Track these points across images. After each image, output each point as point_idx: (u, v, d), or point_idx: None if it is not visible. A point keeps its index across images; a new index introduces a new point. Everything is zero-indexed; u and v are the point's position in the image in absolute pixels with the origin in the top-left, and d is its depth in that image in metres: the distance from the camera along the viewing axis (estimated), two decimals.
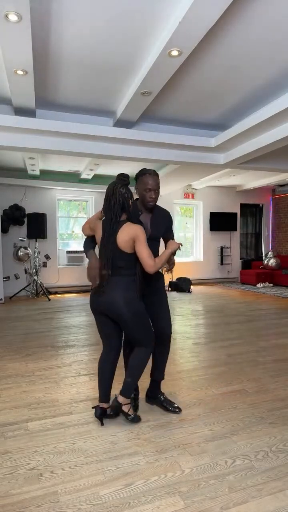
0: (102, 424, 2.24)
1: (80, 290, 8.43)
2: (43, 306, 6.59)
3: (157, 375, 2.48)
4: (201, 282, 9.51)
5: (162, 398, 2.46)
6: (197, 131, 5.00)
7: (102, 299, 2.16)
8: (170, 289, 8.36)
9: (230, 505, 1.57)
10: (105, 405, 2.28)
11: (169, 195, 8.99)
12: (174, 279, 8.48)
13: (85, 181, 8.17)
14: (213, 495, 1.63)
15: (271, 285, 9.02)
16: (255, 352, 3.71)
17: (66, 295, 8.03)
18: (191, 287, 8.44)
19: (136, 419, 2.27)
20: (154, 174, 2.31)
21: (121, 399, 2.24)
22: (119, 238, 2.11)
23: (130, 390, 2.24)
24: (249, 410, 2.44)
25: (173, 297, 7.52)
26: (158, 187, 2.32)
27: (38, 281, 7.57)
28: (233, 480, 1.73)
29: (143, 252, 2.08)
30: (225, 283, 9.61)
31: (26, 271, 7.95)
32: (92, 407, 2.36)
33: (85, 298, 7.48)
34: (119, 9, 2.52)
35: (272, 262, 9.22)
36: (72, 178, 8.02)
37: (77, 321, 5.32)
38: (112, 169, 7.44)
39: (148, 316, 2.25)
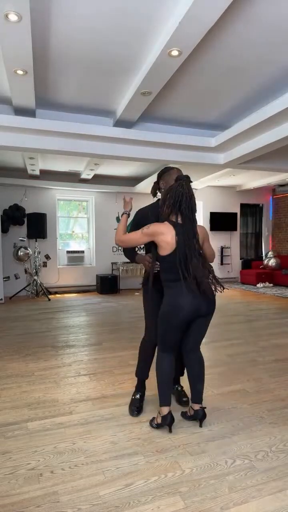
0: (170, 431, 2.14)
1: (80, 290, 8.44)
2: (43, 306, 6.59)
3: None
4: None
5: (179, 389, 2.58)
6: (197, 131, 5.00)
7: (205, 300, 2.09)
8: None
9: (230, 505, 1.57)
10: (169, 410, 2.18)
11: None
12: None
13: (85, 181, 8.17)
14: (213, 495, 1.63)
15: (271, 285, 9.01)
16: (255, 352, 3.71)
17: (66, 295, 8.03)
18: None
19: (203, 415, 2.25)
20: (179, 169, 2.35)
21: (197, 406, 2.22)
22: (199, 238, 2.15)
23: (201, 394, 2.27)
24: (249, 410, 2.44)
25: None
26: None
27: (38, 281, 7.57)
28: (233, 480, 1.73)
29: (212, 249, 2.28)
30: (225, 283, 9.61)
31: (26, 271, 7.95)
32: (162, 416, 2.15)
33: (85, 298, 7.49)
34: (119, 9, 2.51)
35: (272, 262, 9.22)
36: (72, 178, 8.02)
37: (77, 321, 5.32)
38: (112, 169, 7.44)
39: None
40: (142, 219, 2.33)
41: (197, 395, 2.23)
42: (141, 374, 2.51)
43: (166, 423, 2.13)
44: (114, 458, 1.92)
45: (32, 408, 2.50)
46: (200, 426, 2.21)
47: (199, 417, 2.20)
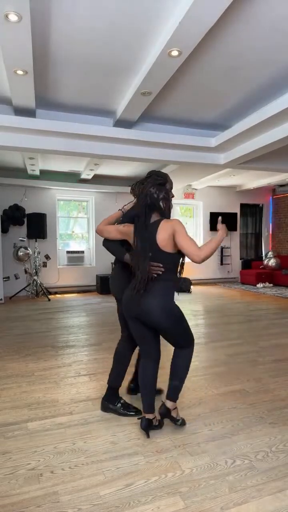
0: (148, 436, 2.10)
1: (80, 290, 8.44)
2: (43, 306, 6.59)
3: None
4: (201, 282, 9.51)
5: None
6: (197, 131, 5.00)
7: (138, 308, 2.02)
8: None
9: (230, 505, 1.57)
10: (150, 416, 2.15)
11: None
12: None
13: (85, 181, 8.17)
14: (213, 495, 1.63)
15: (271, 285, 9.01)
16: (255, 352, 3.71)
17: (66, 295, 8.03)
18: (191, 287, 8.44)
19: (183, 423, 2.19)
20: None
21: (169, 404, 2.16)
22: (159, 238, 1.98)
23: (177, 393, 2.17)
24: (249, 410, 2.44)
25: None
26: None
27: (38, 281, 7.57)
28: (233, 480, 1.73)
29: (189, 243, 1.92)
30: (225, 283, 9.61)
31: (26, 271, 7.95)
32: (138, 418, 2.21)
33: (85, 298, 7.49)
34: (119, 9, 2.51)
35: (272, 262, 9.22)
36: (72, 178, 8.02)
37: (77, 321, 5.32)
38: (112, 169, 7.44)
39: (184, 317, 2.13)
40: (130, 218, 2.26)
41: (169, 390, 2.19)
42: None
43: (142, 427, 2.14)
44: (114, 458, 1.91)
45: (32, 408, 2.50)
46: (160, 425, 2.19)
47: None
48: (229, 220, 9.77)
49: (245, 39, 2.91)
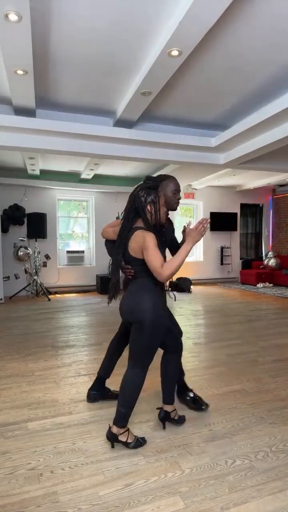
0: (164, 427, 2.18)
1: (80, 290, 8.44)
2: (43, 306, 6.59)
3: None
4: (201, 282, 9.51)
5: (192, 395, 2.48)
6: (197, 131, 5.00)
7: (122, 307, 2.09)
8: (170, 289, 8.36)
9: (230, 505, 1.57)
10: (169, 408, 2.22)
11: None
12: (174, 279, 8.47)
13: (85, 181, 8.17)
14: (213, 495, 1.63)
15: (271, 285, 9.01)
16: (255, 352, 3.71)
17: (66, 295, 8.03)
18: (191, 287, 8.44)
19: (138, 444, 2.01)
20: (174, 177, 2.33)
21: (115, 429, 1.99)
22: (130, 245, 1.98)
23: (124, 420, 1.99)
24: (249, 410, 2.44)
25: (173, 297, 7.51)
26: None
27: (38, 281, 7.57)
28: (233, 480, 1.73)
29: (152, 262, 1.83)
30: (225, 283, 9.60)
31: (26, 271, 7.95)
32: (157, 408, 2.30)
33: (85, 298, 7.49)
34: (119, 9, 2.51)
35: (272, 262, 9.22)
36: (72, 178, 8.02)
37: (77, 321, 5.32)
38: (112, 169, 7.44)
39: (164, 335, 2.03)
40: None
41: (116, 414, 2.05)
42: None
43: (159, 417, 2.23)
44: (114, 458, 1.91)
45: (32, 408, 2.50)
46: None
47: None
48: (229, 220, 9.78)
49: (245, 39, 2.91)
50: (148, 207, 2.00)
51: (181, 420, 2.25)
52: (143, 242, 1.88)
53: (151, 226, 1.99)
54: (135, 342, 1.97)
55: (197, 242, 1.91)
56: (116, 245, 2.06)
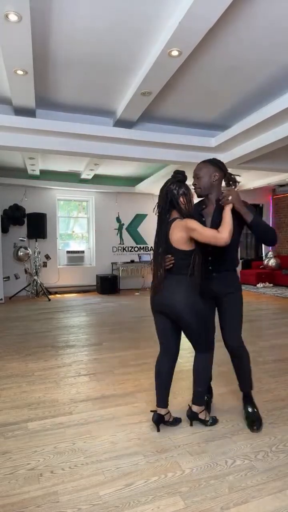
0: (158, 430, 2.16)
1: (80, 290, 8.44)
2: (43, 306, 6.59)
3: (240, 386, 2.35)
4: None
5: (249, 410, 2.26)
6: (197, 131, 5.00)
7: (161, 301, 2.09)
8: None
9: (230, 505, 1.57)
10: (162, 411, 2.18)
11: None
12: None
13: (85, 181, 8.17)
14: (213, 495, 1.63)
15: (271, 285, 9.01)
16: (255, 352, 3.70)
17: (66, 295, 8.03)
18: None
19: (214, 422, 2.23)
20: (199, 163, 2.31)
21: (195, 408, 2.20)
22: (172, 237, 2.05)
23: (202, 398, 2.20)
24: None
25: None
26: (200, 174, 2.27)
27: (38, 281, 7.57)
28: (233, 480, 1.73)
29: (207, 234, 1.97)
30: None
31: (26, 271, 7.95)
32: (151, 411, 2.26)
33: (85, 298, 7.49)
34: (119, 9, 2.51)
35: (272, 262, 9.22)
36: (72, 178, 8.02)
37: (77, 321, 5.32)
38: (112, 169, 7.44)
39: (210, 319, 2.24)
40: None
41: (193, 395, 2.23)
42: None
43: (153, 420, 2.20)
44: (114, 458, 1.91)
45: (32, 408, 2.49)
46: (191, 425, 2.23)
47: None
48: None
49: (245, 39, 2.91)
50: (181, 199, 2.09)
51: (176, 422, 2.24)
52: (187, 227, 2.00)
53: (187, 215, 2.10)
54: (188, 333, 2.11)
55: (235, 201, 2.16)
56: (157, 239, 2.11)
